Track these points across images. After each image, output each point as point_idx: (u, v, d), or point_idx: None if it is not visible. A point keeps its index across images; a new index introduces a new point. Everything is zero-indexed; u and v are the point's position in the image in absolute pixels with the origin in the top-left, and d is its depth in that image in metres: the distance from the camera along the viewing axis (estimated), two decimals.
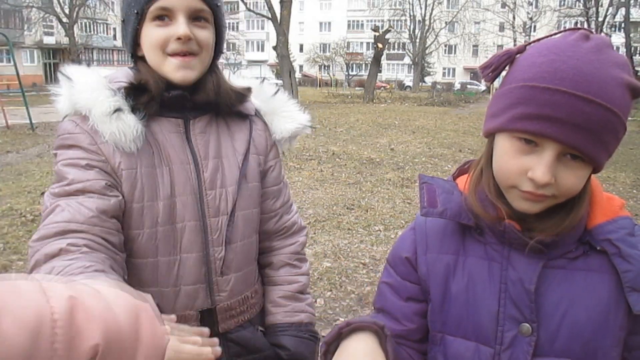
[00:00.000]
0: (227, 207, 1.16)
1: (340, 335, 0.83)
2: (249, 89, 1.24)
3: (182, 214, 1.12)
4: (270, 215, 1.29)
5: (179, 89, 1.09)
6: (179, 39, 1.04)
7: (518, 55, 0.83)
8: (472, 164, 0.96)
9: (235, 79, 1.28)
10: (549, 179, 0.76)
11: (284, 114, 1.29)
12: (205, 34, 1.09)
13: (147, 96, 1.07)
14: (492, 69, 0.84)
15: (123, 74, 1.13)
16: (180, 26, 1.04)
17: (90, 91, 1.05)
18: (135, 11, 1.05)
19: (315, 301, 3.84)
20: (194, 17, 1.07)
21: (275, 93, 1.31)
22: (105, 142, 1.05)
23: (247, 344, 1.22)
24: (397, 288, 0.97)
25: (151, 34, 1.06)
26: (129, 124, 1.04)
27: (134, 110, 1.07)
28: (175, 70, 1.06)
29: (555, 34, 0.82)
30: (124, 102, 1.06)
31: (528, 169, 0.77)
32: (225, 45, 1.23)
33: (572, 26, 0.82)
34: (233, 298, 1.20)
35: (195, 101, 1.13)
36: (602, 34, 0.77)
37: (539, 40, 0.83)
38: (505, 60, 0.83)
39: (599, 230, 0.84)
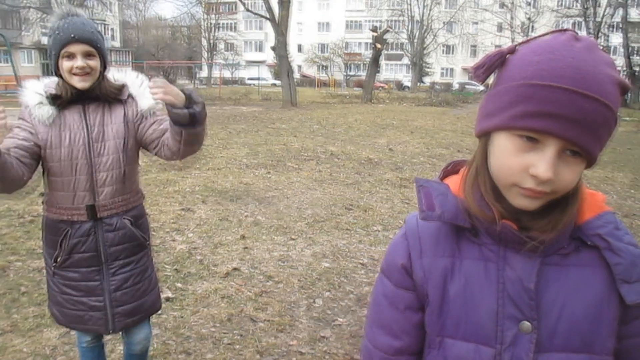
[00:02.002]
0: (105, 152, 2.04)
1: None
2: (123, 85, 2.09)
3: (76, 155, 2.00)
4: (161, 128, 2.07)
5: (80, 91, 1.97)
6: (77, 67, 1.90)
7: (509, 56, 0.84)
8: (459, 165, 0.96)
9: (122, 76, 2.13)
10: (552, 175, 0.77)
11: (145, 96, 2.07)
12: (93, 63, 1.94)
13: (61, 99, 1.99)
14: (484, 69, 0.85)
15: (53, 83, 2.01)
16: (79, 61, 1.90)
17: (30, 94, 2.00)
18: (54, 52, 1.91)
19: (314, 301, 3.85)
20: (86, 55, 1.91)
21: (141, 85, 2.11)
22: (34, 118, 1.98)
23: (115, 225, 2.09)
24: (393, 298, 0.96)
25: (64, 64, 1.91)
26: (46, 110, 1.97)
27: (54, 102, 1.97)
28: (77, 82, 1.94)
29: (542, 35, 0.83)
30: (45, 99, 1.97)
31: (530, 166, 0.78)
32: (109, 63, 2.05)
33: (570, 27, 0.83)
34: (106, 200, 2.06)
35: (90, 96, 2.01)
36: (600, 34, 0.77)
37: (527, 41, 0.84)
38: (497, 60, 0.84)
39: (589, 226, 0.87)
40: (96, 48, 1.92)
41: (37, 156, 1.97)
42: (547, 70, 0.75)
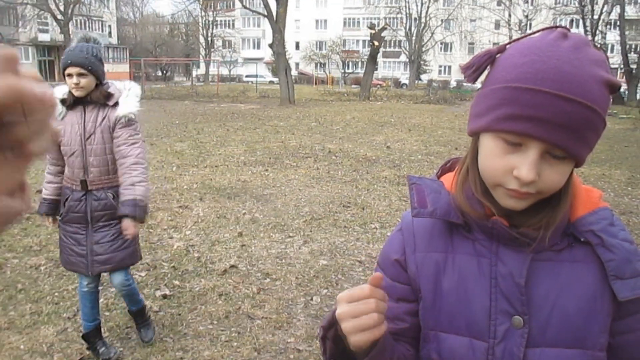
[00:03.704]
0: (94, 142, 2.74)
1: (336, 319, 0.85)
2: (111, 94, 2.75)
3: (75, 142, 2.74)
4: (116, 142, 2.78)
5: (78, 98, 2.72)
6: (74, 84, 2.65)
7: (499, 55, 0.84)
8: (457, 163, 0.98)
9: (117, 85, 2.82)
10: (534, 177, 0.78)
11: (125, 104, 2.77)
12: (87, 80, 2.68)
13: (66, 102, 2.73)
14: (473, 69, 0.86)
15: (65, 90, 2.74)
16: (74, 79, 2.64)
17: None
18: (61, 71, 2.69)
19: (312, 299, 3.85)
20: (79, 74, 2.64)
21: (127, 96, 2.79)
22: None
23: (99, 197, 2.79)
24: (388, 290, 0.98)
25: (67, 80, 2.68)
26: (58, 109, 2.59)
27: (62, 104, 2.74)
28: (75, 92, 2.68)
29: (533, 33, 0.84)
30: (57, 102, 2.34)
31: (513, 167, 0.79)
32: (102, 77, 2.75)
33: (567, 24, 0.83)
34: (95, 178, 2.77)
35: (86, 100, 2.73)
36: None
37: (518, 39, 0.84)
38: (486, 60, 0.84)
39: (582, 222, 0.87)
40: (87, 69, 2.65)
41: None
42: (530, 72, 0.76)
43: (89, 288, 2.96)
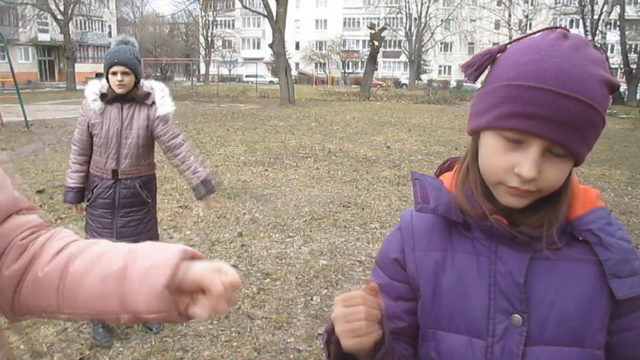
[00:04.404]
0: (130, 136, 3.04)
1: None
2: (149, 94, 3.05)
3: (112, 135, 3.01)
4: (164, 139, 3.14)
5: (119, 94, 2.97)
6: (117, 80, 2.90)
7: (499, 55, 0.85)
8: (455, 162, 0.98)
9: (154, 85, 3.12)
10: (535, 174, 0.78)
11: (163, 104, 3.08)
12: (129, 78, 2.94)
13: (107, 97, 2.99)
14: (474, 68, 0.86)
15: (104, 84, 2.99)
16: (118, 76, 2.90)
17: (89, 92, 3.02)
18: (106, 69, 2.93)
19: (312, 299, 3.85)
20: (123, 72, 2.90)
21: (162, 96, 3.09)
22: (90, 109, 3.02)
23: (128, 185, 3.10)
24: (386, 288, 0.98)
25: (111, 78, 2.93)
26: (98, 104, 2.99)
27: (102, 99, 3.00)
28: (117, 89, 2.94)
29: (533, 33, 0.84)
30: (97, 97, 2.99)
31: (514, 165, 0.80)
32: (141, 77, 3.05)
33: (567, 24, 0.83)
34: (126, 168, 3.07)
35: (126, 98, 3.00)
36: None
37: (518, 39, 0.85)
38: (487, 59, 0.85)
39: (580, 221, 0.88)
40: (130, 69, 2.92)
41: (89, 133, 3.07)
42: (532, 71, 0.76)
43: None
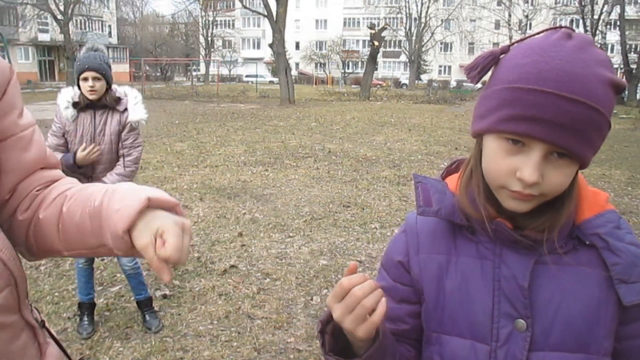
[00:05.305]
0: (103, 142, 3.06)
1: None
2: (120, 99, 3.07)
3: (85, 142, 3.00)
4: (125, 144, 3.13)
5: (91, 101, 3.00)
6: (88, 86, 2.93)
7: (502, 56, 0.83)
8: (462, 164, 0.97)
9: (127, 91, 3.15)
10: (537, 179, 0.77)
11: (135, 111, 3.09)
12: (100, 84, 2.96)
13: (80, 104, 3.02)
14: (477, 71, 0.84)
15: (76, 93, 3.02)
16: (89, 82, 2.93)
17: (62, 99, 3.04)
18: (76, 75, 2.96)
19: (312, 299, 3.85)
20: (94, 78, 2.92)
21: (136, 103, 3.10)
22: (62, 116, 3.04)
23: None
24: (390, 291, 0.97)
25: (82, 84, 2.96)
26: (70, 111, 3.01)
27: (75, 106, 3.02)
28: (89, 95, 2.97)
29: (537, 33, 0.83)
30: (70, 104, 3.01)
31: (516, 169, 0.78)
32: (112, 82, 3.05)
33: (567, 24, 0.82)
34: (100, 173, 3.09)
35: (97, 104, 3.02)
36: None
37: (522, 40, 0.83)
38: (490, 61, 0.83)
39: (588, 225, 0.86)
40: (101, 74, 2.94)
41: (65, 139, 3.10)
42: (533, 73, 0.75)
43: (84, 265, 3.30)
